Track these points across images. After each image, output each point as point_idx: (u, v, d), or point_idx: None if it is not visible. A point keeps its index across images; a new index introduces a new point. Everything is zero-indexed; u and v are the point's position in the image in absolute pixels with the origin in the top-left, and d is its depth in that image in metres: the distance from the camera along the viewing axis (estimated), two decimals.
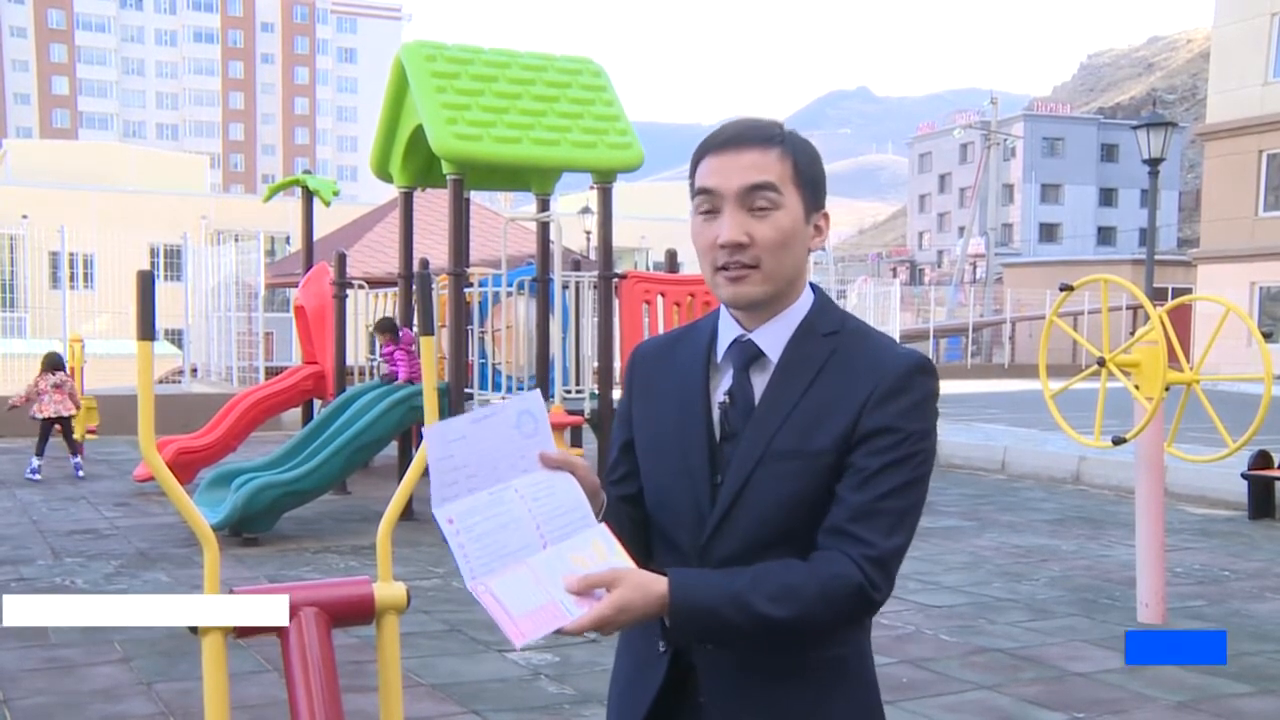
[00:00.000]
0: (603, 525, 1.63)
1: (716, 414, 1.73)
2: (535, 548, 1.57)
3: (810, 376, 1.69)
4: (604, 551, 1.58)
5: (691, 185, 1.74)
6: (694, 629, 1.57)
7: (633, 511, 1.83)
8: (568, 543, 1.59)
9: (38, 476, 11.86)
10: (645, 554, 1.78)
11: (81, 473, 12.23)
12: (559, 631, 1.51)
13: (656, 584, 1.55)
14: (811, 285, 1.77)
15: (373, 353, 13.03)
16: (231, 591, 2.67)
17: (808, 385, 1.68)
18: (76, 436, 12.92)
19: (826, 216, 1.75)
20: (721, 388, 1.75)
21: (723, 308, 1.78)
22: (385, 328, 10.69)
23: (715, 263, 1.69)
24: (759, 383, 1.72)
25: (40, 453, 12.02)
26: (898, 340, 1.79)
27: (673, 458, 1.75)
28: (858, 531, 1.60)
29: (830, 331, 1.72)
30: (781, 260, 1.68)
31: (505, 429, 1.64)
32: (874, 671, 1.78)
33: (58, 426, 12.28)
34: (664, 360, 1.83)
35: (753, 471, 1.67)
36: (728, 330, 1.76)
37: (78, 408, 12.54)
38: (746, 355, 1.73)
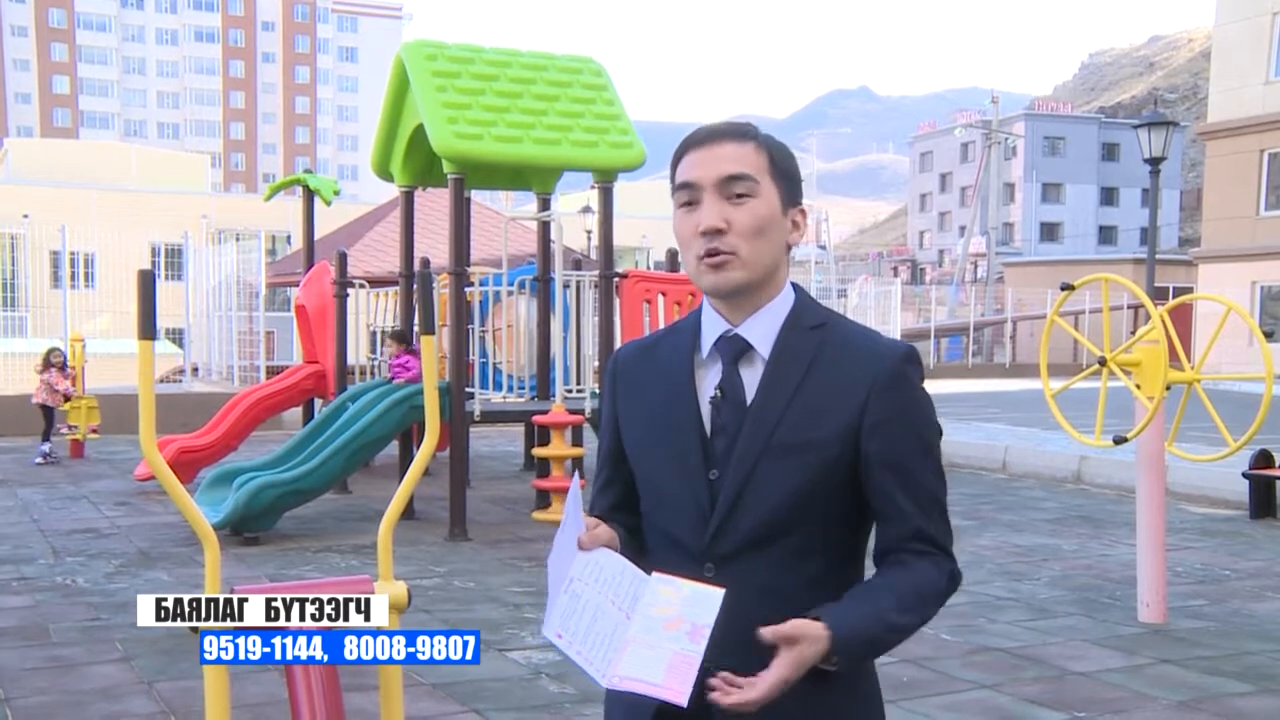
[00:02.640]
0: (654, 574, 1.66)
1: (706, 409, 1.75)
2: (623, 622, 1.62)
3: (803, 369, 1.72)
4: (674, 592, 1.62)
5: (673, 185, 1.79)
6: (858, 656, 1.65)
7: (625, 518, 1.86)
8: (642, 604, 1.63)
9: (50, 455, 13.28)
10: (639, 554, 1.79)
11: (38, 459, 13.10)
12: (734, 706, 1.56)
13: (820, 630, 1.60)
14: (792, 284, 1.80)
15: (374, 352, 13.03)
16: (232, 592, 2.67)
17: (801, 378, 1.71)
18: (78, 435, 13.90)
19: (804, 213, 1.80)
20: (709, 382, 1.76)
21: (705, 304, 1.80)
22: (398, 337, 10.70)
23: (697, 252, 1.72)
24: (748, 376, 1.74)
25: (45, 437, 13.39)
26: (899, 340, 1.82)
27: (669, 456, 1.76)
28: (931, 533, 1.73)
29: (816, 325, 1.75)
30: (759, 247, 1.71)
31: (567, 524, 1.69)
32: (874, 665, 1.82)
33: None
34: (647, 360, 1.85)
35: (755, 466, 1.69)
36: (712, 326, 1.78)
37: (65, 399, 13.69)
38: (735, 349, 1.75)
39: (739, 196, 1.70)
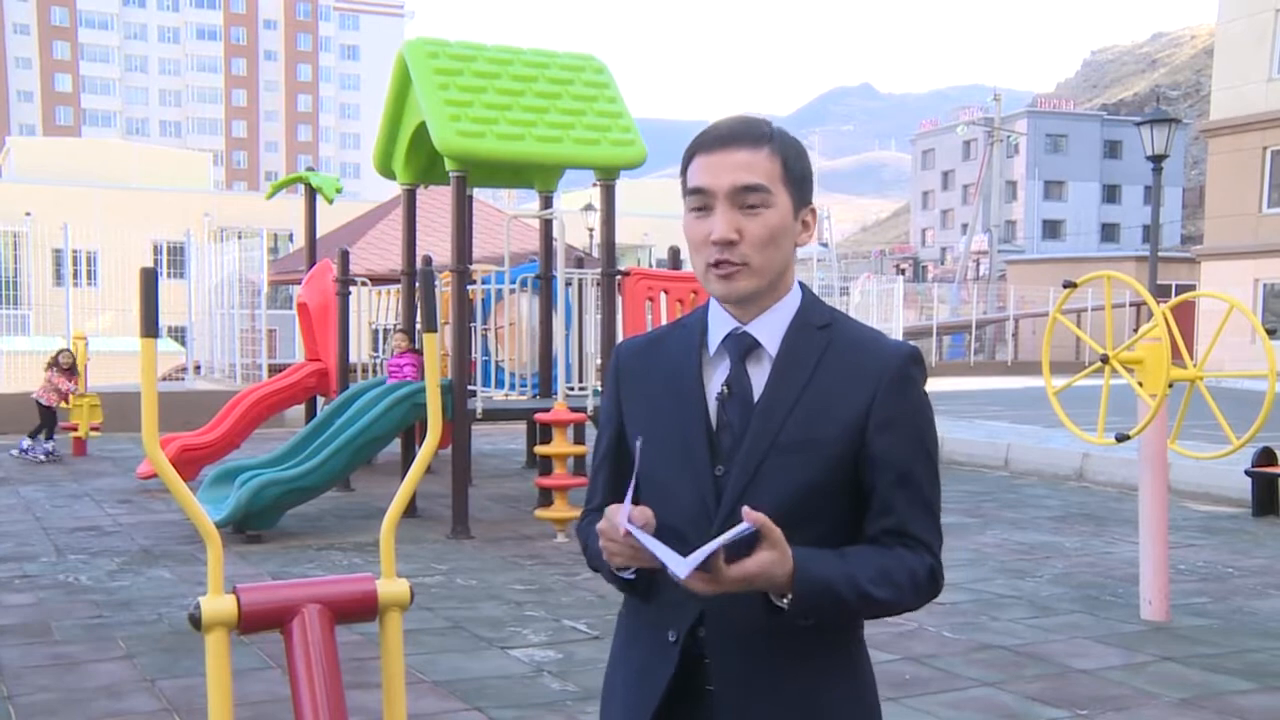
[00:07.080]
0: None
1: (713, 405, 1.76)
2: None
3: (810, 368, 1.73)
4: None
5: (683, 184, 1.78)
6: (812, 600, 1.62)
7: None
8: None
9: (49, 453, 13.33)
10: None
11: (40, 456, 13.20)
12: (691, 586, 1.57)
13: (790, 554, 1.59)
14: (799, 283, 1.81)
15: (376, 350, 13.02)
16: (235, 590, 2.67)
17: (809, 377, 1.73)
18: (80, 433, 13.93)
19: (814, 212, 1.80)
20: (717, 379, 1.77)
21: (712, 300, 1.81)
22: (406, 332, 10.66)
23: (708, 259, 1.73)
24: (755, 374, 1.75)
25: (49, 435, 13.47)
26: (902, 338, 1.82)
27: (674, 451, 1.77)
28: (916, 532, 1.74)
29: (823, 324, 1.77)
30: (770, 257, 1.72)
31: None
32: (869, 659, 1.84)
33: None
34: (651, 356, 1.86)
35: (760, 463, 1.70)
36: (720, 323, 1.79)
37: (63, 399, 13.66)
38: (743, 347, 1.76)
39: (752, 207, 1.70)
